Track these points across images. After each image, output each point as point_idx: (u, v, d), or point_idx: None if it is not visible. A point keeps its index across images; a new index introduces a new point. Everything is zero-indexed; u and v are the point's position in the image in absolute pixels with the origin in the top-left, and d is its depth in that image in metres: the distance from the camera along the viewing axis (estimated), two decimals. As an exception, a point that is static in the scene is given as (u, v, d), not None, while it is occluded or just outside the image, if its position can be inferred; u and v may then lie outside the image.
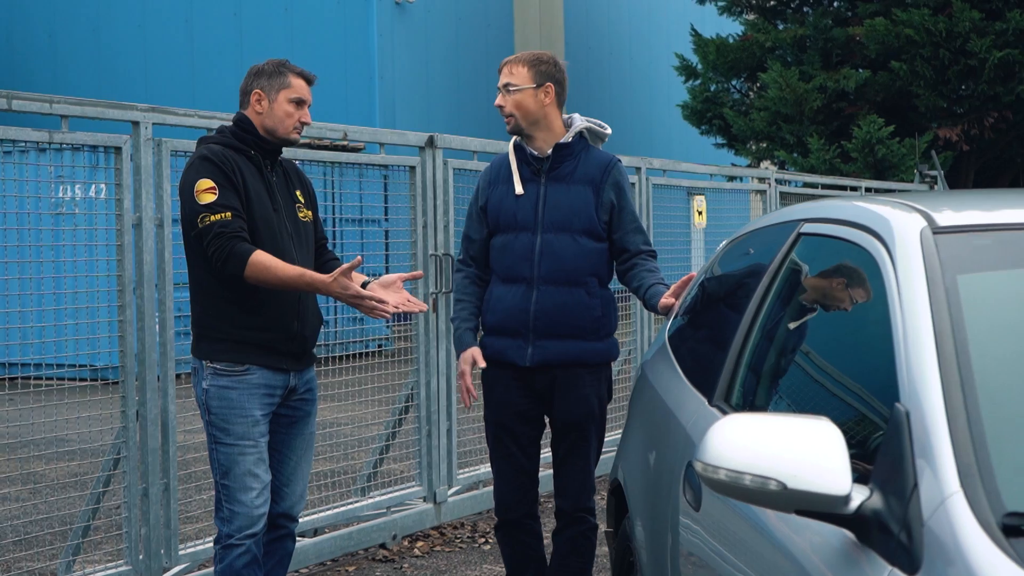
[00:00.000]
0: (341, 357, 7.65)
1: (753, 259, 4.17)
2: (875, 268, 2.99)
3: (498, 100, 5.17)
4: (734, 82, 23.59)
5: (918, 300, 2.71)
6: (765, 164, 23.21)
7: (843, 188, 13.65)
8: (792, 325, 3.56)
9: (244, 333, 4.84)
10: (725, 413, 3.51)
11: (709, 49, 22.92)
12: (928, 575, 2.22)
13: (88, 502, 5.88)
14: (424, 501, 7.57)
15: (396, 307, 4.82)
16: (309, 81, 5.07)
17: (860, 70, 21.39)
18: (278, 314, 4.88)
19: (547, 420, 5.32)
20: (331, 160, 6.99)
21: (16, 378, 5.98)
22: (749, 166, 22.39)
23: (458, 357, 5.32)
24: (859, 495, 2.46)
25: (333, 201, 8.18)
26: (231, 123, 5.05)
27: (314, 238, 5.17)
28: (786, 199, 11.71)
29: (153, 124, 5.85)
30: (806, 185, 12.83)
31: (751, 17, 23.71)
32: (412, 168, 7.46)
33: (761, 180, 11.86)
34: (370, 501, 7.20)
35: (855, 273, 3.22)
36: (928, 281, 2.75)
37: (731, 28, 24.76)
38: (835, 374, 3.22)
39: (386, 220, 8.33)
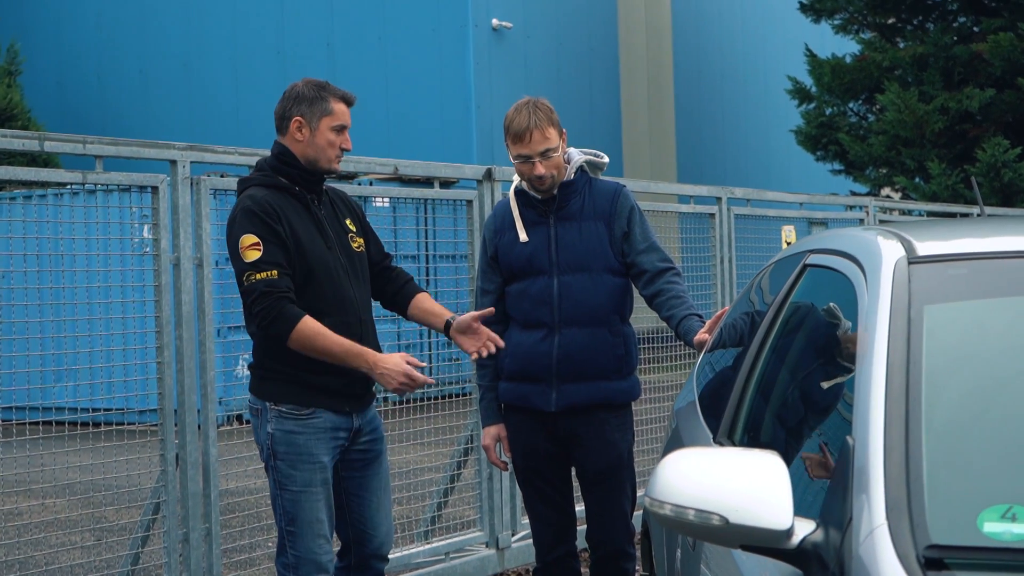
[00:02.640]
0: (421, 398, 7.84)
1: (768, 292, 4.28)
2: (855, 299, 3.09)
3: (539, 169, 5.14)
4: (850, 104, 23.48)
5: (878, 331, 2.81)
6: (886, 191, 23.06)
7: (954, 215, 13.58)
8: (792, 359, 3.66)
9: (309, 377, 4.90)
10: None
11: (824, 70, 22.85)
12: (851, 609, 2.32)
13: (130, 547, 6.11)
14: (486, 547, 7.70)
15: (476, 353, 5.03)
16: (351, 103, 5.08)
17: (984, 89, 21.18)
18: None
19: (574, 470, 5.43)
20: (382, 194, 7.19)
21: (51, 422, 6.23)
22: (869, 194, 22.25)
23: (483, 427, 5.52)
24: (803, 529, 2.57)
25: (426, 238, 8.38)
26: (270, 155, 5.09)
27: (373, 262, 5.24)
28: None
29: (191, 162, 6.09)
30: (920, 214, 12.83)
31: (869, 35, 23.59)
32: (469, 202, 7.64)
33: (850, 207, 11.90)
34: (428, 547, 7.36)
35: (845, 306, 3.32)
36: (892, 312, 2.85)
37: (847, 48, 24.66)
38: (828, 409, 3.31)
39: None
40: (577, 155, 5.33)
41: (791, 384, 3.57)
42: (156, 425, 6.02)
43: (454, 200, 7.74)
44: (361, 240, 5.17)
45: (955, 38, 22.02)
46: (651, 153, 27.00)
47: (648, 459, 8.35)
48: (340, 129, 5.00)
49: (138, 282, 6.27)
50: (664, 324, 5.44)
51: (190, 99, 24.17)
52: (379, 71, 22.55)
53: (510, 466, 5.53)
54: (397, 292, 5.31)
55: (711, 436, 3.89)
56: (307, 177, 5.00)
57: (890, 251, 3.11)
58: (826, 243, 3.77)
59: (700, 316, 5.10)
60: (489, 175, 7.69)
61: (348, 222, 5.14)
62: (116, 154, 5.85)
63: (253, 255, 4.78)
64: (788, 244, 10.43)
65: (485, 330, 5.07)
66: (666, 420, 8.96)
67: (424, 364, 4.89)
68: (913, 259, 3.05)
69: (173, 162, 6.03)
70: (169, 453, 5.98)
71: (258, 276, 4.78)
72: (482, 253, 5.49)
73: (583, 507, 5.48)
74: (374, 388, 5.24)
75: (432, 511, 7.61)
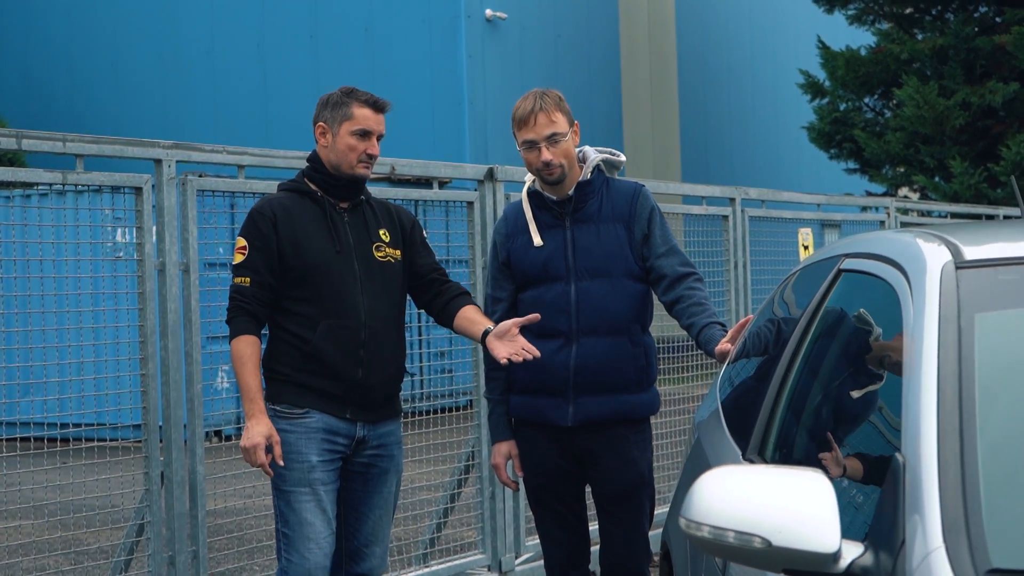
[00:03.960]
0: (417, 412, 7.83)
1: (798, 299, 4.26)
2: (898, 306, 3.08)
3: (545, 155, 5.15)
4: (866, 99, 23.50)
5: (927, 341, 2.79)
6: (903, 191, 23.08)
7: (978, 217, 13.59)
8: (828, 370, 3.65)
9: (304, 377, 5.13)
10: (756, 467, 3.59)
11: (838, 63, 22.89)
12: (907, 637, 2.31)
13: (112, 571, 6.09)
14: (488, 570, 7.67)
15: (505, 359, 5.00)
16: (379, 109, 5.26)
17: (1008, 83, 21.21)
18: (339, 361, 5.13)
19: (589, 487, 5.41)
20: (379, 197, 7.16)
21: (29, 438, 6.20)
22: (886, 194, 22.28)
23: (492, 443, 5.51)
24: (851, 552, 2.55)
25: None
26: (307, 161, 5.36)
27: (419, 274, 5.39)
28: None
29: (177, 162, 6.06)
30: (940, 215, 12.83)
31: (885, 26, 23.63)
32: (470, 203, 7.62)
33: (865, 209, 11.91)
34: (426, 570, 7.33)
35: (887, 314, 3.30)
36: (940, 319, 2.84)
37: (863, 39, 24.68)
38: (869, 423, 3.29)
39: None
40: (593, 154, 5.32)
41: (827, 397, 3.56)
42: (140, 441, 5.99)
43: (447, 201, 7.70)
44: (394, 251, 5.33)
45: (976, 29, 22.06)
46: (654, 151, 27.02)
47: (663, 475, 8.32)
48: (363, 134, 5.22)
49: (114, 289, 6.24)
50: (678, 332, 5.43)
51: (165, 95, 24.13)
52: (366, 65, 22.52)
53: (521, 486, 5.52)
54: (445, 306, 5.41)
55: (740, 452, 3.88)
56: (332, 183, 5.25)
57: (935, 255, 3.10)
58: (862, 247, 3.76)
59: (722, 325, 5.08)
60: (491, 175, 7.67)
61: (382, 232, 5.33)
62: (98, 153, 5.82)
63: (237, 258, 5.17)
64: (805, 247, 10.43)
65: (522, 339, 5.07)
66: (683, 434, 8.95)
67: (270, 475, 5.11)
68: (960, 264, 3.03)
69: (158, 161, 6.00)
70: (154, 471, 5.95)
71: (235, 280, 5.15)
72: (492, 258, 5.47)
73: (595, 526, 5.48)
74: (399, 403, 5.40)
75: (431, 532, 7.60)
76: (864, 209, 12.33)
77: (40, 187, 5.91)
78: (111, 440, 6.50)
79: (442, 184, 9.24)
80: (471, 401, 8.49)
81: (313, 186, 5.25)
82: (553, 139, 5.17)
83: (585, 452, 5.28)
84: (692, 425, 5.18)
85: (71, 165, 5.76)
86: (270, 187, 5.92)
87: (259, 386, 5.07)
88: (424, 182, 13.18)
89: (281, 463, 5.04)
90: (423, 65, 22.54)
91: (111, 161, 6.08)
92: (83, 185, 5.79)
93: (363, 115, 5.21)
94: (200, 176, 6.37)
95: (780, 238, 10.35)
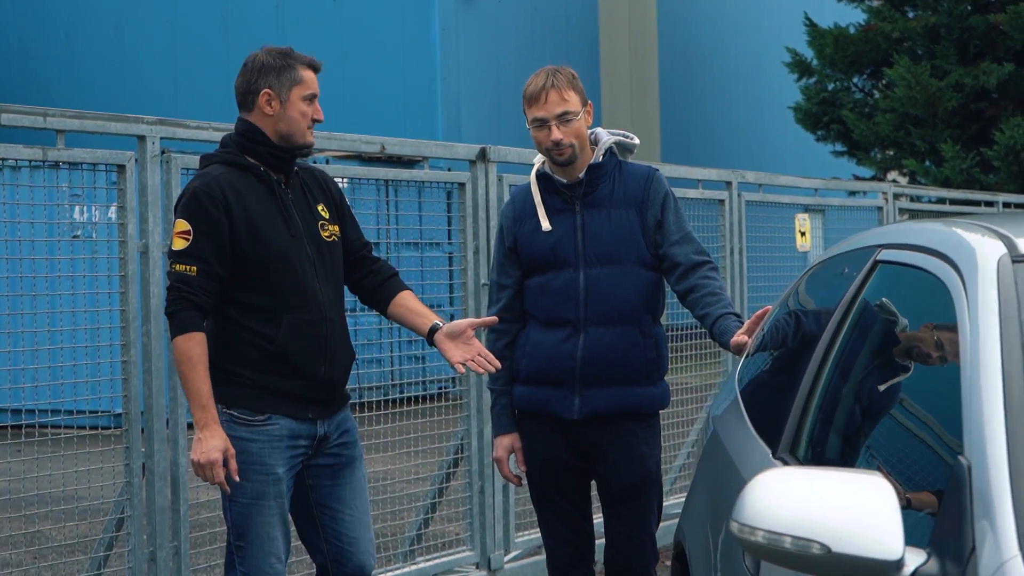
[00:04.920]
0: (396, 401, 7.78)
1: (825, 291, 4.25)
2: (950, 302, 3.06)
3: (554, 134, 5.12)
4: (855, 79, 23.52)
5: (987, 339, 2.77)
6: (892, 175, 23.13)
7: (977, 203, 13.62)
8: (866, 368, 3.63)
9: (265, 379, 4.93)
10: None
11: (826, 41, 22.91)
12: (981, 652, 2.29)
13: (89, 568, 6.03)
14: (477, 568, 7.65)
15: (461, 365, 4.95)
16: (317, 69, 5.10)
17: (1002, 64, 21.27)
18: (304, 358, 4.97)
19: (594, 483, 5.40)
20: (366, 176, 7.14)
21: (6, 426, 6.14)
22: (874, 178, 22.33)
23: (494, 436, 5.47)
24: (914, 560, 2.53)
25: (388, 224, 8.32)
26: (234, 132, 5.09)
27: (350, 250, 5.22)
28: (907, 218, 11.72)
29: (161, 138, 6.00)
30: (930, 200, 12.86)
31: (876, 3, 23.65)
32: (461, 185, 7.58)
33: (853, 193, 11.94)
34: (413, 568, 7.31)
35: (932, 308, 3.28)
36: (1001, 316, 2.82)
37: (852, 16, 24.70)
38: (913, 424, 3.28)
39: (449, 244, 8.45)
40: (605, 136, 5.30)
41: (867, 395, 3.54)
42: (119, 429, 5.93)
43: (420, 182, 7.63)
44: (335, 228, 5.16)
45: (970, 8, 22.08)
46: (633, 130, 26.84)
47: (666, 467, 8.29)
48: (311, 98, 5.04)
49: (72, 271, 6.16)
50: (680, 320, 5.42)
51: (122, 67, 23.94)
52: (334, 37, 22.39)
53: (524, 480, 5.49)
54: (378, 288, 5.27)
55: (769, 452, 3.85)
56: (278, 155, 5.03)
57: (988, 248, 3.09)
58: (901, 237, 3.75)
59: (738, 316, 5.07)
60: (483, 155, 7.63)
61: (321, 208, 5.13)
62: (80, 128, 5.76)
63: (180, 244, 4.87)
64: (802, 234, 10.43)
65: (479, 345, 5.04)
66: (687, 425, 8.94)
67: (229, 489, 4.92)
68: (1017, 257, 3.02)
69: (141, 138, 5.94)
70: (135, 463, 5.89)
71: (177, 268, 4.88)
72: (498, 244, 5.44)
73: (599, 519, 5.47)
74: (347, 390, 5.27)
75: (416, 528, 7.56)
76: (852, 194, 12.34)
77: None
78: (90, 428, 6.42)
79: (413, 163, 9.20)
80: (443, 390, 8.44)
81: (254, 160, 5.00)
82: (564, 118, 5.14)
83: (591, 446, 5.26)
84: (707, 418, 5.16)
85: (49, 140, 5.69)
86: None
87: (211, 391, 4.84)
88: (396, 160, 13.15)
89: (237, 479, 4.85)
90: (394, 39, 22.44)
91: (84, 137, 5.99)
92: (39, 161, 5.64)
93: (309, 77, 5.03)
94: (163, 153, 6.25)
95: (776, 223, 10.35)
